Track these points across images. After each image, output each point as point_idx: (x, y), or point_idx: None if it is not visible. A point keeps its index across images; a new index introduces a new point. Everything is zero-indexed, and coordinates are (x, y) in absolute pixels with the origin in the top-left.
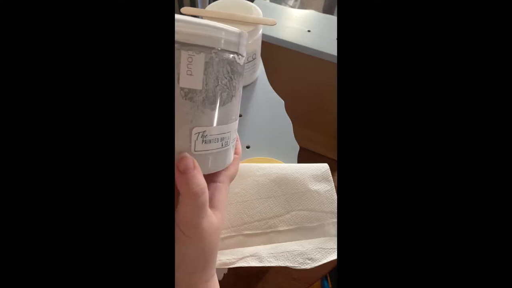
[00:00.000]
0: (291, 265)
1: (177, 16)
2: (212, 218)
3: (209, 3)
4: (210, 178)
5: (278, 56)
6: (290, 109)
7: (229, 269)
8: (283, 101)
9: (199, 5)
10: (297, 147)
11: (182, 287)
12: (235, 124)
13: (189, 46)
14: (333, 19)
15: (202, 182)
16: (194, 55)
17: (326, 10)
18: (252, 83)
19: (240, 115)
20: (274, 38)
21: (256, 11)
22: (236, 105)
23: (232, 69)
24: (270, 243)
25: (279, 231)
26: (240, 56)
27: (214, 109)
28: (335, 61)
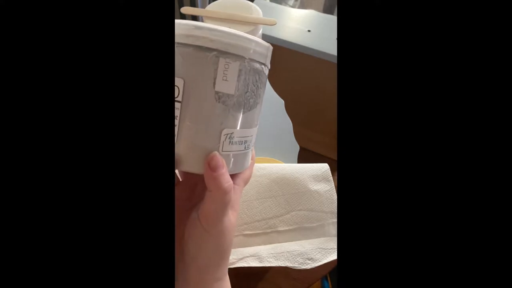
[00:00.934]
0: (291, 265)
1: (216, 26)
2: (231, 217)
3: (209, 3)
4: None
5: (278, 56)
6: (290, 109)
7: (229, 269)
8: (283, 101)
9: (199, 5)
10: (297, 147)
11: (193, 285)
12: (256, 129)
13: (227, 55)
14: (333, 19)
15: (230, 179)
16: (230, 63)
17: (326, 10)
18: None
19: None
20: (274, 38)
21: (256, 11)
22: (259, 112)
23: (260, 78)
24: (270, 243)
25: (279, 231)
26: (266, 67)
27: (242, 113)
28: (335, 61)
